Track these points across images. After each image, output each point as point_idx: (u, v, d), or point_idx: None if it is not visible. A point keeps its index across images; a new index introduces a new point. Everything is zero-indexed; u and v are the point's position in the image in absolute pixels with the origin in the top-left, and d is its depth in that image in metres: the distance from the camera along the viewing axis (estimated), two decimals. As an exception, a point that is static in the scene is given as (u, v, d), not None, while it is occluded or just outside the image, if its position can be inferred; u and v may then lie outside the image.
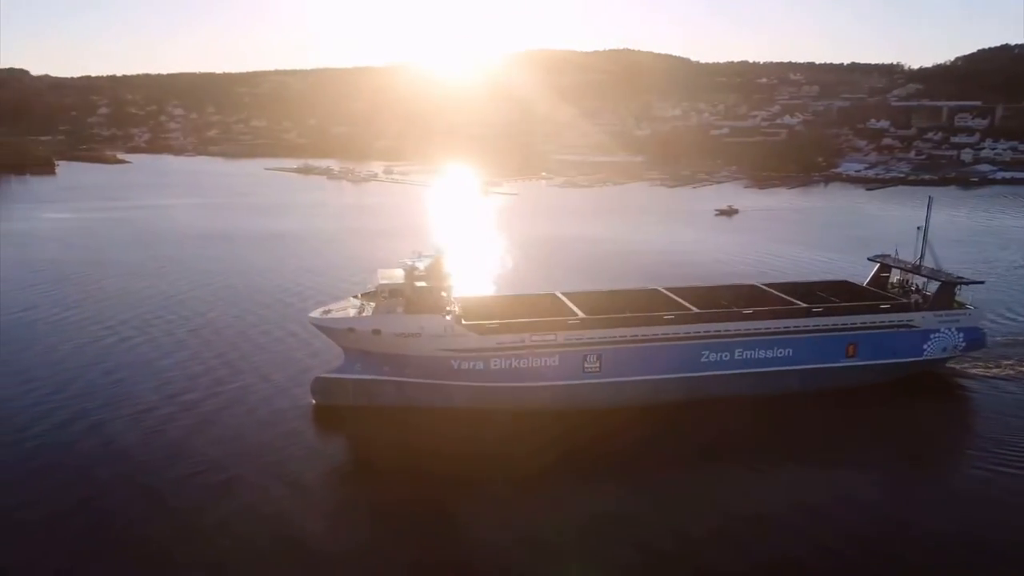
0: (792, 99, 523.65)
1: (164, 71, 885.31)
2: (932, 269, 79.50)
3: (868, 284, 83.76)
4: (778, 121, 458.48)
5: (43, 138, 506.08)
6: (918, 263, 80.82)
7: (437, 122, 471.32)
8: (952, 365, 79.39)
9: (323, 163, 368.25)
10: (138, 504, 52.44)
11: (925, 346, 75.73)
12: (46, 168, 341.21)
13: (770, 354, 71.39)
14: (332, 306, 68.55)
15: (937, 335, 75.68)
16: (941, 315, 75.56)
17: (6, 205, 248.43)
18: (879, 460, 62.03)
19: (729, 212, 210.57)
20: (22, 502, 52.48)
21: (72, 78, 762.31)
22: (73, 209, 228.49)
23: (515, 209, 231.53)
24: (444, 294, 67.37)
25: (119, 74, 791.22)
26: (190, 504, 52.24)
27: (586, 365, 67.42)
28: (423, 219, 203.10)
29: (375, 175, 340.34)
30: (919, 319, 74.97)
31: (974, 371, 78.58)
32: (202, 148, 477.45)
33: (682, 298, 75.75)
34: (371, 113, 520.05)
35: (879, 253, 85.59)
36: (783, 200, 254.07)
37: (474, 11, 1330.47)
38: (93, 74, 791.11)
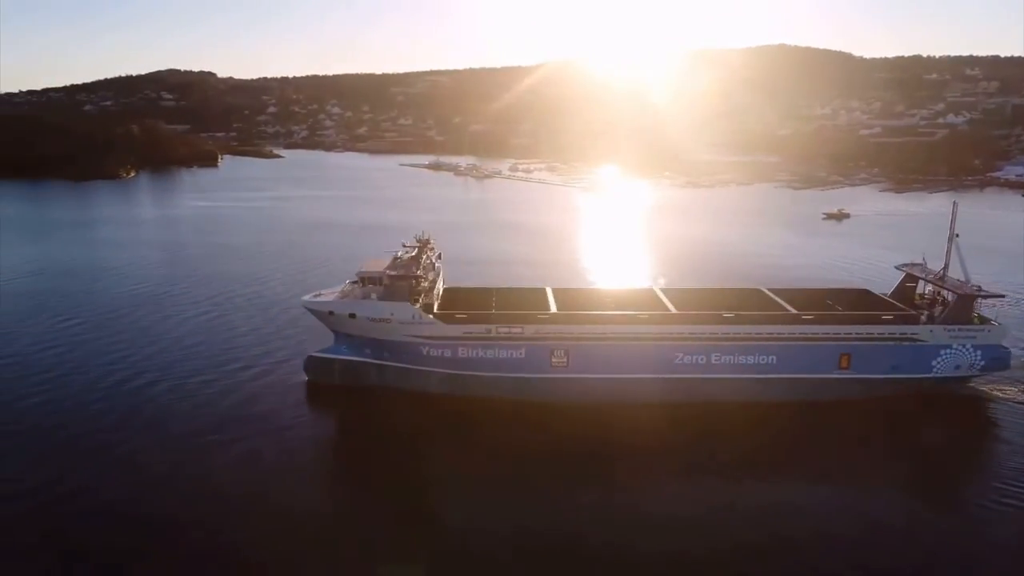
0: (964, 96, 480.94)
1: (329, 72, 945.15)
2: (956, 280, 73.94)
3: (892, 294, 79.00)
4: (940, 120, 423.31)
5: (218, 134, 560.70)
6: (942, 273, 75.48)
7: (575, 121, 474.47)
8: (978, 386, 73.44)
9: (453, 160, 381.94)
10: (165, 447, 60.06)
11: (934, 363, 70.70)
12: (210, 161, 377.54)
13: (751, 360, 69.55)
14: (324, 291, 74.40)
15: (949, 351, 70.46)
16: (953, 330, 70.25)
17: (168, 193, 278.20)
18: (861, 478, 58.23)
19: (839, 216, 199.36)
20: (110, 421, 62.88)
21: (250, 80, 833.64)
22: (216, 199, 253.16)
23: (626, 207, 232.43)
24: (424, 284, 71.38)
25: (290, 76, 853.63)
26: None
27: (553, 359, 69.04)
28: (522, 214, 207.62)
29: (499, 172, 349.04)
30: (926, 333, 70.15)
31: (1000, 394, 72.30)
32: (351, 144, 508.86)
33: (674, 298, 75.43)
34: (512, 112, 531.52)
35: (907, 262, 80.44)
36: (917, 205, 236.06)
37: (626, 10, 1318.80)
38: (268, 76, 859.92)
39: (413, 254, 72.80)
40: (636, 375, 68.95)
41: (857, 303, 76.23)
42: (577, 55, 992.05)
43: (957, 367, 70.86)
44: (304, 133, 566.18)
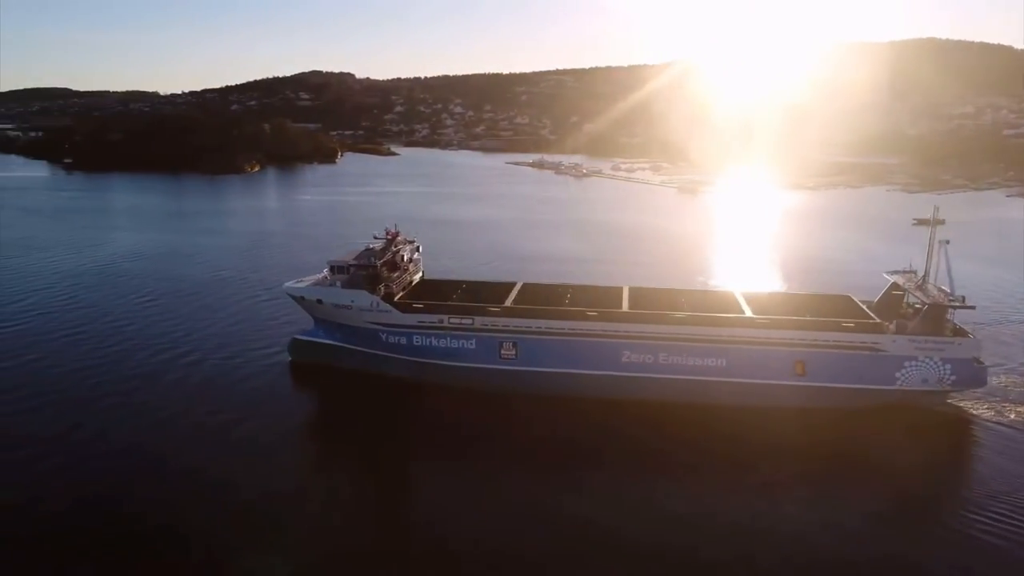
0: None
1: (458, 72, 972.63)
2: (935, 289, 70.25)
3: (877, 303, 75.82)
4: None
5: (346, 132, 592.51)
6: (923, 280, 71.88)
7: (693, 120, 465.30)
8: (955, 403, 69.36)
9: (557, 158, 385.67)
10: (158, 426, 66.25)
11: (898, 374, 67.56)
12: (330, 158, 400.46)
13: (699, 362, 69.20)
14: (306, 278, 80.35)
15: (914, 363, 67.13)
16: (919, 341, 66.85)
17: (282, 187, 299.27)
18: (806, 491, 55.75)
19: (931, 223, 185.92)
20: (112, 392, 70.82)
21: (384, 80, 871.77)
22: (322, 192, 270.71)
23: (714, 208, 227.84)
24: (386, 273, 75.93)
25: (423, 76, 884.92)
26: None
27: (503, 352, 71.65)
28: (601, 213, 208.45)
29: (599, 171, 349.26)
30: (888, 343, 67.18)
31: (976, 412, 68.00)
32: (466, 142, 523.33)
33: (638, 297, 76.14)
34: (630, 111, 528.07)
35: (897, 269, 76.80)
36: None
37: (760, 5, 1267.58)
38: (402, 76, 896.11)
39: (380, 245, 77.49)
40: (583, 370, 70.39)
41: (831, 310, 73.69)
42: (707, 52, 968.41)
43: (924, 380, 67.37)
44: (425, 131, 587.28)
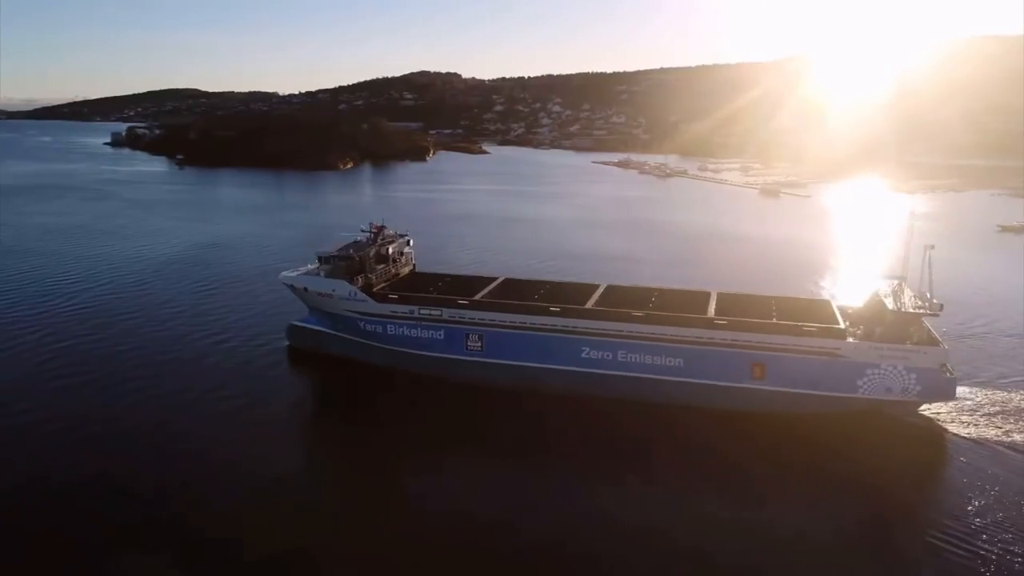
0: None
1: (562, 71, 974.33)
2: (912, 296, 67.80)
3: (861, 309, 73.67)
4: None
5: (445, 131, 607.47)
6: (899, 286, 69.42)
7: (801, 119, 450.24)
8: (932, 415, 66.64)
9: (643, 158, 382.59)
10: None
11: (860, 382, 65.59)
12: (420, 156, 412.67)
13: (657, 361, 69.53)
14: (302, 267, 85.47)
15: (877, 371, 65.00)
16: (881, 348, 64.70)
17: (368, 183, 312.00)
18: (759, 497, 54.30)
19: (1018, 229, 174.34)
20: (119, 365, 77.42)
21: (489, 80, 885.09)
22: (402, 189, 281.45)
23: (794, 211, 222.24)
24: (383, 266, 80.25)
25: (527, 75, 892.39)
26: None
27: (469, 343, 74.34)
28: (669, 214, 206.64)
29: (684, 171, 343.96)
30: (849, 349, 65.36)
31: (947, 426, 65.09)
32: (558, 141, 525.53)
33: (614, 296, 77.11)
34: (732, 109, 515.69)
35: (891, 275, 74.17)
36: None
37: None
38: (507, 76, 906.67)
39: (365, 237, 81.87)
40: (545, 365, 72.12)
41: (805, 314, 72.07)
42: (823, 48, 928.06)
43: (888, 389, 65.14)
44: (521, 130, 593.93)
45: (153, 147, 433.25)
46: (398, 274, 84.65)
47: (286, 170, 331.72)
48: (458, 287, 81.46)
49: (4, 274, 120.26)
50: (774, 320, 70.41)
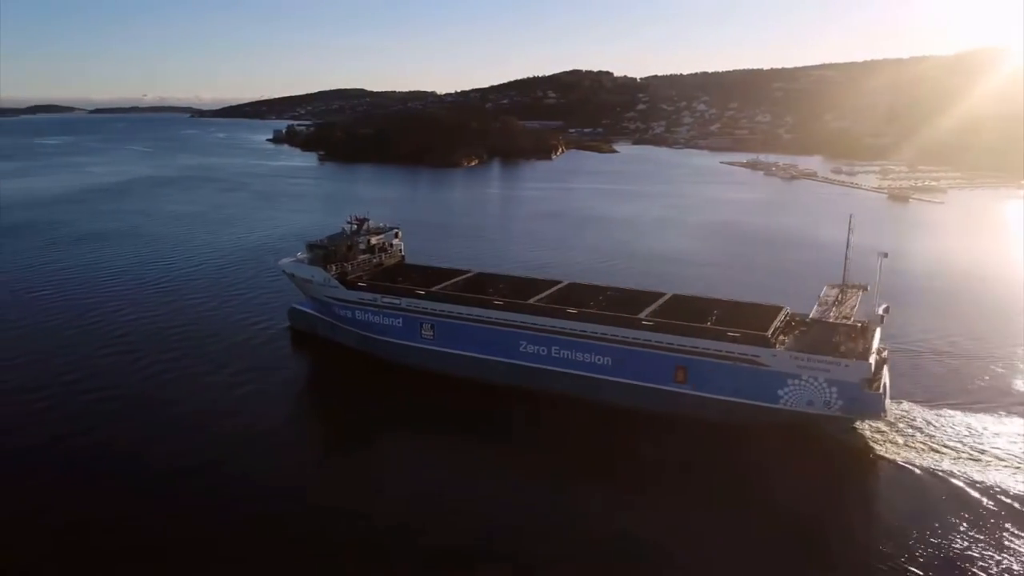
0: None
1: (717, 69, 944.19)
2: (854, 304, 64.50)
3: (818, 315, 70.59)
4: None
5: (585, 130, 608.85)
6: (841, 294, 66.13)
7: (966, 120, 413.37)
8: (870, 433, 63.04)
9: (772, 158, 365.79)
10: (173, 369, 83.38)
11: (780, 392, 63.26)
12: (546, 155, 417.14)
13: (587, 358, 70.39)
14: (298, 255, 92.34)
15: (797, 382, 62.43)
16: (802, 359, 62.01)
17: (485, 180, 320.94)
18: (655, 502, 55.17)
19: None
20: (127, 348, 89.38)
21: (640, 78, 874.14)
22: (511, 187, 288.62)
23: (913, 218, 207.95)
24: (366, 256, 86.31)
25: (682, 73, 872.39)
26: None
27: (423, 331, 78.44)
28: (763, 217, 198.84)
29: (813, 173, 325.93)
30: (769, 357, 63.12)
31: (877, 445, 61.45)
32: (694, 141, 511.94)
33: (578, 294, 78.67)
34: (894, 108, 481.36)
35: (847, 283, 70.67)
36: None
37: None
38: (659, 74, 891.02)
39: (350, 230, 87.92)
40: (488, 356, 75.09)
41: (751, 320, 69.88)
42: (1015, 39, 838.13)
43: (809, 402, 62.45)
44: (660, 129, 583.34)
45: (305, 144, 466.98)
46: (381, 264, 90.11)
47: (416, 166, 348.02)
48: (433, 278, 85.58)
49: (113, 253, 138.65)
50: (708, 324, 69.09)
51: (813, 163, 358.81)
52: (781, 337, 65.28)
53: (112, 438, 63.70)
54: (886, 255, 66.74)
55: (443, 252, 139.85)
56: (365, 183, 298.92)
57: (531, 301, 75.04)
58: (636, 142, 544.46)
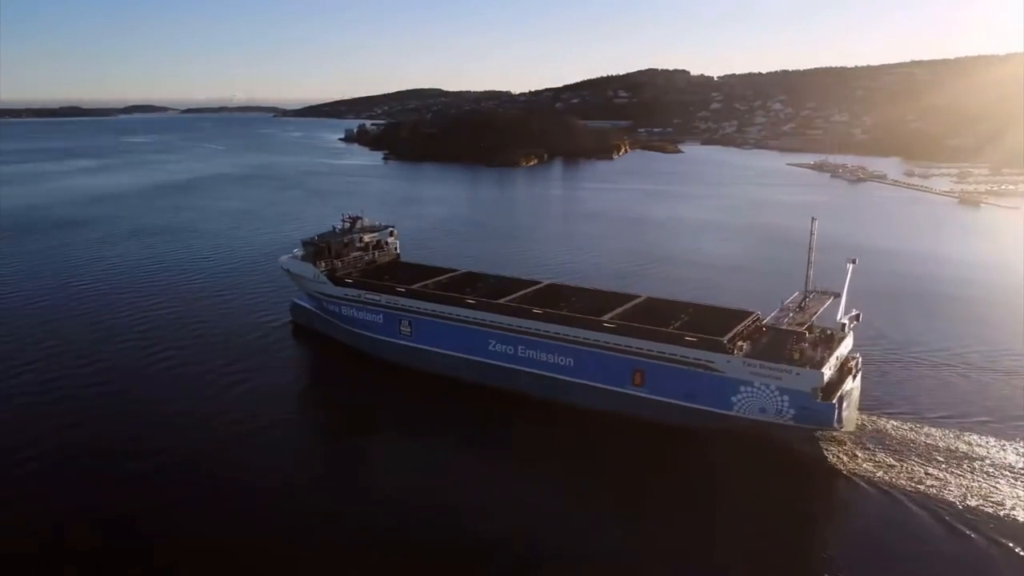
0: None
1: (798, 67, 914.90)
2: (814, 311, 62.59)
3: (773, 320, 68.71)
4: None
5: (655, 129, 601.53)
6: (804, 300, 64.13)
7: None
8: (829, 444, 60.95)
9: (842, 160, 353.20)
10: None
11: (734, 399, 61.84)
12: (607, 154, 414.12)
13: (551, 359, 70.39)
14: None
15: (750, 389, 60.92)
16: (755, 365, 60.43)
17: (539, 180, 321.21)
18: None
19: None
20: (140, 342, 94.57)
21: (717, 77, 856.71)
22: (560, 186, 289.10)
23: (983, 224, 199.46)
24: (357, 253, 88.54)
25: (761, 71, 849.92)
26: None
27: (401, 328, 79.90)
28: (804, 220, 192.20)
29: (883, 175, 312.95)
30: (722, 363, 61.76)
31: (832, 457, 59.30)
32: (764, 142, 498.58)
33: (557, 295, 78.88)
34: (983, 107, 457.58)
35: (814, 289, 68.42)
36: None
37: None
38: (737, 72, 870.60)
39: (340, 229, 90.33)
40: (460, 354, 76.00)
41: (719, 325, 68.41)
42: None
43: (762, 410, 60.87)
44: (731, 129, 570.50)
45: (373, 143, 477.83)
46: (374, 261, 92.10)
47: (476, 165, 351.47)
48: (422, 276, 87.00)
49: (157, 247, 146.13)
50: (670, 328, 68.08)
51: (887, 165, 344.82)
52: (740, 343, 63.66)
53: (98, 435, 64.92)
54: (854, 261, 64.45)
55: (461, 252, 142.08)
56: (419, 182, 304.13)
57: (503, 301, 75.44)
58: (705, 142, 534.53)
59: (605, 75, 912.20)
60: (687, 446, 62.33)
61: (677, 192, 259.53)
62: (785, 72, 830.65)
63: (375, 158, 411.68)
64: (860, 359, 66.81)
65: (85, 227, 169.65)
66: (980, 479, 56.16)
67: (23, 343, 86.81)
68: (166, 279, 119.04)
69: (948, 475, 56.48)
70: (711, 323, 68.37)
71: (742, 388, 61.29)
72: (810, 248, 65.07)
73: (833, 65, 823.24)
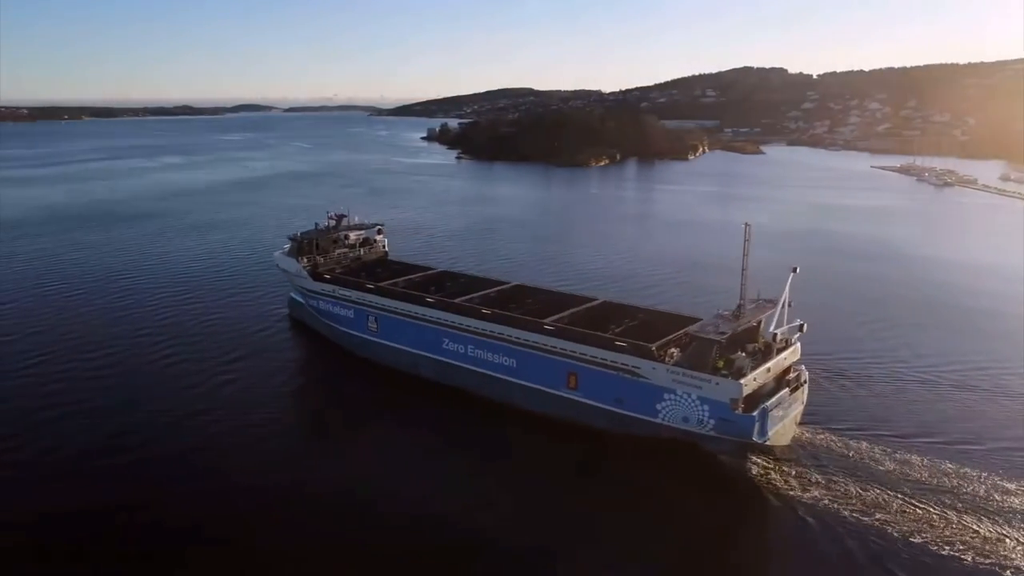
0: None
1: (907, 64, 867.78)
2: (742, 319, 60.59)
3: (697, 328, 66.71)
4: None
5: (742, 129, 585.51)
6: (737, 309, 62.04)
7: None
8: (759, 458, 58.86)
9: (932, 162, 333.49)
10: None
11: (659, 406, 60.48)
12: (682, 155, 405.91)
13: (496, 359, 70.67)
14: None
15: (673, 397, 59.46)
16: (678, 373, 58.89)
17: (609, 181, 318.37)
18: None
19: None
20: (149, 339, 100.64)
21: (816, 75, 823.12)
22: (628, 189, 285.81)
23: None
24: (342, 250, 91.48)
25: (865, 69, 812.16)
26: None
27: (369, 324, 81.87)
28: (874, 227, 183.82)
29: (973, 180, 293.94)
30: (648, 369, 60.50)
31: (761, 474, 57.18)
32: (854, 143, 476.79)
33: (522, 296, 79.36)
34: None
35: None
36: None
37: None
38: (838, 70, 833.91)
39: (331, 225, 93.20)
40: (419, 351, 77.33)
41: (658, 331, 66.94)
42: None
43: (685, 419, 59.36)
44: (821, 129, 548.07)
45: (452, 142, 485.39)
46: (360, 258, 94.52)
47: (548, 165, 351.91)
48: (401, 273, 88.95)
49: (205, 241, 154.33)
50: (609, 332, 67.23)
51: (985, 169, 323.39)
52: (672, 350, 62.21)
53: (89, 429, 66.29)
54: (795, 270, 61.70)
55: (478, 254, 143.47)
56: (483, 181, 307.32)
57: (459, 300, 76.19)
58: (791, 143, 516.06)
59: (697, 74, 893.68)
60: (616, 451, 61.59)
61: (737, 195, 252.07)
62: (890, 70, 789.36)
63: (449, 157, 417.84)
64: (805, 372, 64.03)
65: (147, 220, 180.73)
66: (907, 500, 52.93)
67: (54, 332, 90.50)
68: (197, 272, 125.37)
69: (878, 496, 53.42)
70: (653, 329, 67.07)
71: (666, 396, 59.96)
72: (744, 254, 62.74)
73: (942, 62, 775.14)
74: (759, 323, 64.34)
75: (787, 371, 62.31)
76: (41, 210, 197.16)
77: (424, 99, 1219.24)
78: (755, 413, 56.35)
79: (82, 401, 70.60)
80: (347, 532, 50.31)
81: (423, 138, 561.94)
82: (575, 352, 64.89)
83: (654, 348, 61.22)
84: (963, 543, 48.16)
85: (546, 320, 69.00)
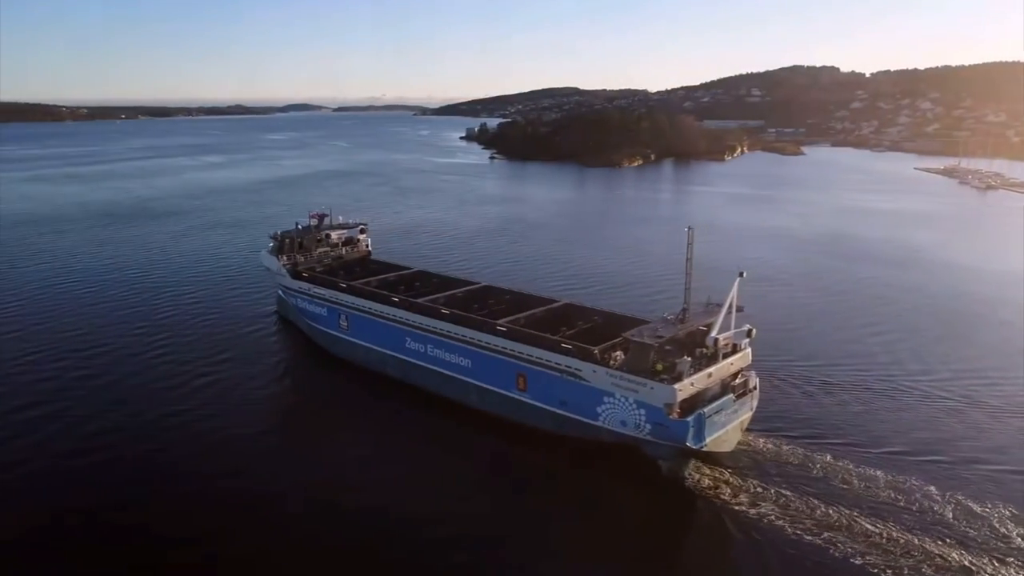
0: None
1: (967, 63, 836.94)
2: (687, 323, 59.99)
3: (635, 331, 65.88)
4: None
5: (787, 130, 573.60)
6: (682, 313, 61.27)
7: None
8: (698, 464, 58.15)
9: (978, 164, 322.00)
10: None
11: (599, 409, 60.13)
12: (719, 155, 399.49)
13: (452, 359, 71.11)
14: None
15: (612, 401, 59.01)
16: (617, 376, 58.41)
17: (639, 183, 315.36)
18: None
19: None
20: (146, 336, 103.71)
21: (867, 74, 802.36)
22: (657, 190, 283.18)
23: None
24: (324, 248, 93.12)
25: (919, 67, 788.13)
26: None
27: (340, 322, 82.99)
28: (900, 232, 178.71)
29: (1021, 183, 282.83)
30: (589, 372, 60.15)
31: (697, 480, 56.51)
32: (898, 144, 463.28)
33: (488, 297, 79.82)
34: None
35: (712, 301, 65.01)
36: None
37: None
38: (892, 69, 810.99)
39: (313, 224, 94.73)
40: (385, 350, 78.27)
41: (609, 334, 66.23)
42: None
43: (623, 423, 58.90)
44: (868, 130, 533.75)
45: (489, 141, 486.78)
46: (341, 257, 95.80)
47: (581, 166, 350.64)
48: (379, 273, 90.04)
49: (223, 240, 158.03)
50: (561, 335, 67.04)
51: (993, 169, 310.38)
52: (617, 353, 61.70)
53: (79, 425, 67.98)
54: (742, 274, 60.45)
55: (478, 255, 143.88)
56: (512, 180, 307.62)
57: (423, 300, 76.76)
58: (835, 144, 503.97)
59: (743, 72, 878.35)
60: (561, 455, 61.57)
61: (766, 196, 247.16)
62: (946, 68, 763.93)
63: (483, 157, 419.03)
64: (755, 378, 62.77)
65: (177, 217, 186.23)
66: (848, 511, 51.67)
67: (52, 329, 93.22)
68: (203, 271, 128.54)
69: (816, 507, 52.22)
70: (605, 332, 66.59)
71: (605, 399, 59.56)
72: (688, 259, 61.74)
73: (1002, 60, 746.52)
74: (708, 327, 63.29)
75: (735, 376, 61.21)
76: (74, 207, 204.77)
77: (470, 99, 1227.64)
78: (690, 418, 55.55)
79: (67, 400, 72.09)
80: (315, 532, 50.48)
81: (461, 137, 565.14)
82: (523, 354, 64.90)
83: (596, 351, 60.86)
84: (911, 560, 47.02)
85: (500, 321, 69.06)
